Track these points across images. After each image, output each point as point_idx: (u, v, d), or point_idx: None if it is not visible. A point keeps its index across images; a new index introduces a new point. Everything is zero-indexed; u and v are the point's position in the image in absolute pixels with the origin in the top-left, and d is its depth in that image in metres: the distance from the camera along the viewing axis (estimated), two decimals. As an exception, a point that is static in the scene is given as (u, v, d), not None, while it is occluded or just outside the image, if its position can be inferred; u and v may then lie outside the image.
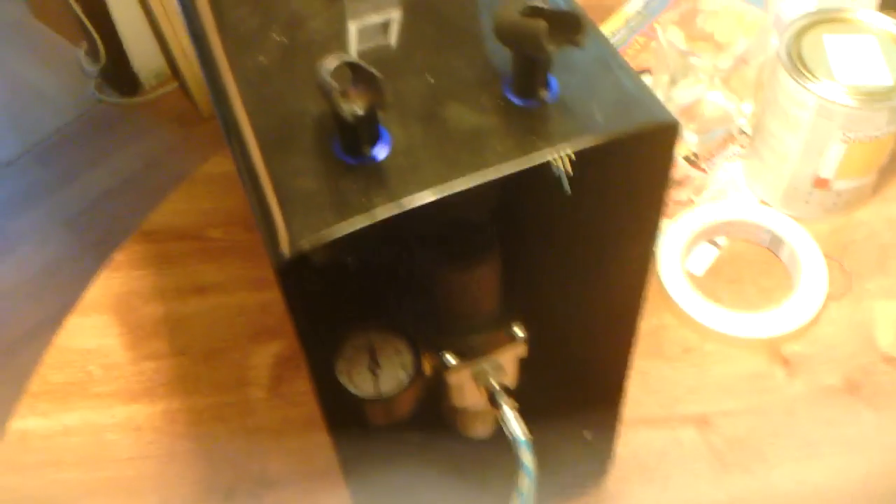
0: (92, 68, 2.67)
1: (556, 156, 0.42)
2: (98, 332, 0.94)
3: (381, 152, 0.41)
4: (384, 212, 0.39)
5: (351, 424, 0.56)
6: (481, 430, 0.66)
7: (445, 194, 0.40)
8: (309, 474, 0.80)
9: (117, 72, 2.57)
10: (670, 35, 1.11)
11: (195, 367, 0.91)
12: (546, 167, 0.43)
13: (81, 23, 2.47)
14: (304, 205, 0.40)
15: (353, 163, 0.41)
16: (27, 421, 0.88)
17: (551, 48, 0.40)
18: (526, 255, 0.52)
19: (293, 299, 0.41)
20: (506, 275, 0.53)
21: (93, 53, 2.62)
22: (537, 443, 0.56)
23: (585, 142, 0.42)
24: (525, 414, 0.56)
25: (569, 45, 0.41)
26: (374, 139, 0.41)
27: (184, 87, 2.55)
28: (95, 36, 2.49)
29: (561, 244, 0.51)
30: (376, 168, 0.41)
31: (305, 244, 0.38)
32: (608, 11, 1.21)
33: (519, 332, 0.56)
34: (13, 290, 2.27)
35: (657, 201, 0.48)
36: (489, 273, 0.51)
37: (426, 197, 0.40)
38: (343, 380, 0.56)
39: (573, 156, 0.42)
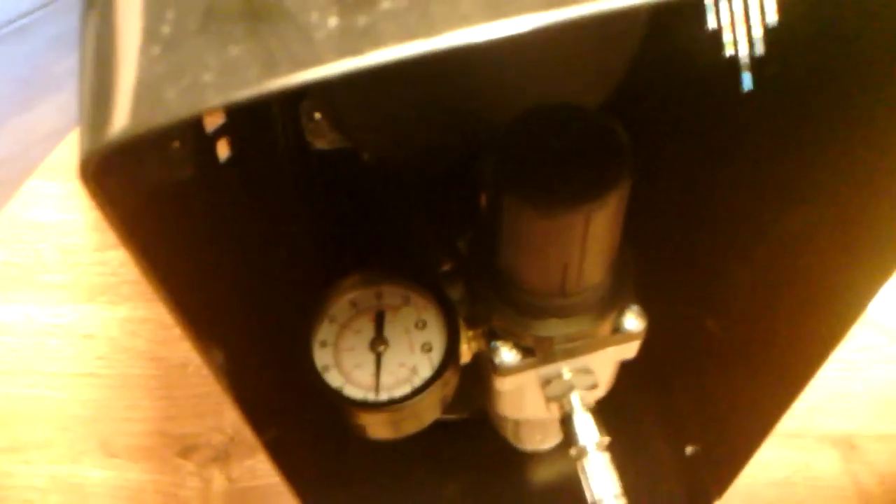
0: None
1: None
2: (59, 203, 0.74)
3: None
4: (352, 61, 0.14)
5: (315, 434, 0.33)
6: (539, 442, 0.43)
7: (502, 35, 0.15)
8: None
9: None
10: None
11: (174, 265, 0.69)
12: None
13: None
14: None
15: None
16: (-44, 306, 0.69)
17: None
18: (682, 197, 0.27)
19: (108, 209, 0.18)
20: (631, 227, 0.28)
21: None
22: (614, 450, 0.33)
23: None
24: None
25: None
26: None
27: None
28: None
29: (755, 180, 0.27)
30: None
31: (155, 119, 0.14)
32: None
33: (635, 322, 0.31)
34: (52, 133, 2.12)
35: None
36: (604, 222, 0.26)
37: (460, 35, 0.15)
38: (321, 359, 0.33)
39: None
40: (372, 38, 0.15)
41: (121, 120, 0.15)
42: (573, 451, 0.33)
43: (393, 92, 0.27)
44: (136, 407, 0.64)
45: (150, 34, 0.16)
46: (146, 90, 0.15)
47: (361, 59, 0.15)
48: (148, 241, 0.21)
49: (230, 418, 0.63)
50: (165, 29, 0.16)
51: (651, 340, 0.36)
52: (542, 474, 0.49)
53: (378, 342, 0.34)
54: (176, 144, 0.28)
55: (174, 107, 0.15)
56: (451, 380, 0.35)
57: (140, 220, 0.20)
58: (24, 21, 2.40)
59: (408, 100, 0.28)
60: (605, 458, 0.33)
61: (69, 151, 0.77)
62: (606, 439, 0.34)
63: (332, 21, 0.15)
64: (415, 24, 0.15)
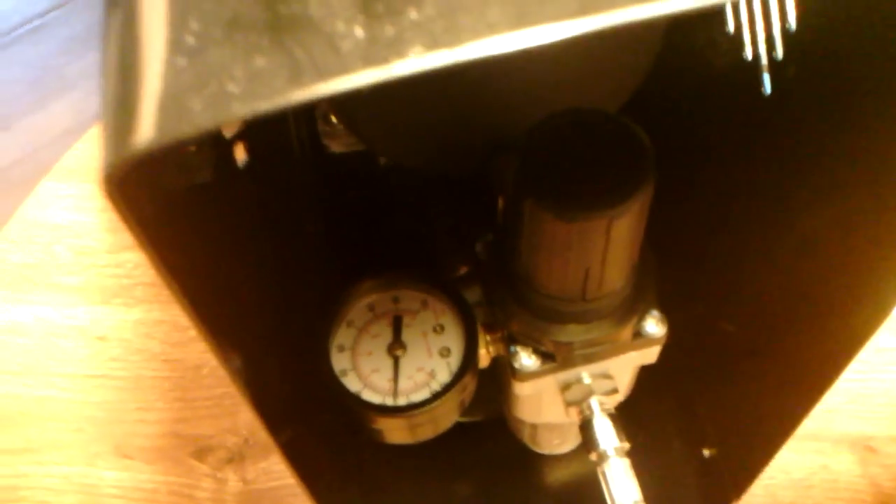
0: None
1: None
2: (74, 204, 0.73)
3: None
4: (378, 72, 0.14)
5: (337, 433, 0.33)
6: (557, 445, 0.42)
7: (524, 47, 0.15)
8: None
9: None
10: None
11: (188, 267, 0.69)
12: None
13: None
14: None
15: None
16: (-31, 308, 0.69)
17: None
18: (702, 200, 0.27)
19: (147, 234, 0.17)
20: (650, 231, 0.28)
21: None
22: (632, 453, 0.33)
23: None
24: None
25: None
26: None
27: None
28: None
29: (775, 180, 0.27)
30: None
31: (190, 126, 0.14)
32: None
33: (656, 327, 0.31)
34: (65, 133, 2.12)
35: None
36: (626, 227, 0.26)
37: (482, 47, 0.15)
38: (339, 363, 0.33)
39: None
40: (398, 49, 0.14)
41: (146, 131, 0.15)
42: (593, 456, 0.33)
43: (412, 99, 0.27)
44: (150, 409, 0.64)
45: (175, 44, 0.15)
46: (171, 101, 0.15)
47: (388, 69, 0.14)
48: (168, 248, 0.20)
49: (245, 420, 0.63)
50: (190, 39, 0.15)
51: (670, 343, 0.36)
52: (559, 476, 0.49)
53: (396, 346, 0.34)
54: (193, 149, 0.28)
55: (200, 117, 0.14)
56: (470, 384, 0.34)
57: (160, 227, 0.20)
58: (37, 22, 2.40)
59: (427, 107, 0.28)
60: (626, 463, 0.33)
61: (84, 153, 0.77)
62: (626, 444, 0.34)
63: (359, 31, 0.15)
64: (442, 34, 0.15)
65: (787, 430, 0.43)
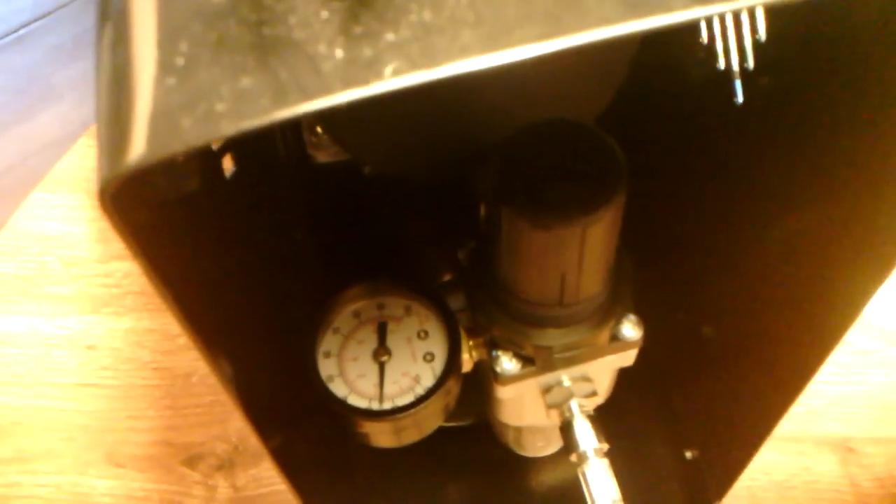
0: None
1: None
2: (63, 215, 0.73)
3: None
4: (359, 90, 0.15)
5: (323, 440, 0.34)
6: (541, 448, 0.43)
7: (503, 63, 0.16)
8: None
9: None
10: None
11: (178, 276, 0.69)
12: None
13: None
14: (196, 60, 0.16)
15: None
16: (-39, 319, 0.69)
17: None
18: (680, 206, 0.28)
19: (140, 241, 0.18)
20: (626, 236, 0.29)
21: None
22: (615, 455, 0.34)
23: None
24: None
25: None
26: None
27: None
28: None
29: (748, 188, 0.28)
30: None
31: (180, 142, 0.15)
32: None
33: (632, 331, 0.32)
34: (52, 142, 2.12)
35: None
36: (600, 235, 0.27)
37: (458, 66, 0.16)
38: (325, 369, 0.34)
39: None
40: (377, 69, 0.15)
41: (138, 148, 0.16)
42: (573, 458, 0.34)
43: (395, 111, 0.28)
44: (140, 417, 0.64)
45: (165, 64, 0.16)
46: (163, 119, 0.16)
47: (367, 89, 0.15)
48: (160, 256, 0.21)
49: (235, 427, 0.63)
50: (179, 60, 0.16)
51: (650, 347, 0.37)
52: (544, 478, 0.49)
53: (381, 352, 0.35)
54: (182, 160, 0.28)
55: (189, 135, 0.15)
56: (454, 388, 0.35)
57: (152, 236, 0.21)
58: (22, 31, 2.40)
59: (409, 118, 0.29)
60: (605, 463, 0.34)
61: (73, 163, 0.77)
62: (605, 446, 0.35)
63: (339, 52, 0.16)
64: (417, 56, 0.16)
65: (766, 431, 0.44)
